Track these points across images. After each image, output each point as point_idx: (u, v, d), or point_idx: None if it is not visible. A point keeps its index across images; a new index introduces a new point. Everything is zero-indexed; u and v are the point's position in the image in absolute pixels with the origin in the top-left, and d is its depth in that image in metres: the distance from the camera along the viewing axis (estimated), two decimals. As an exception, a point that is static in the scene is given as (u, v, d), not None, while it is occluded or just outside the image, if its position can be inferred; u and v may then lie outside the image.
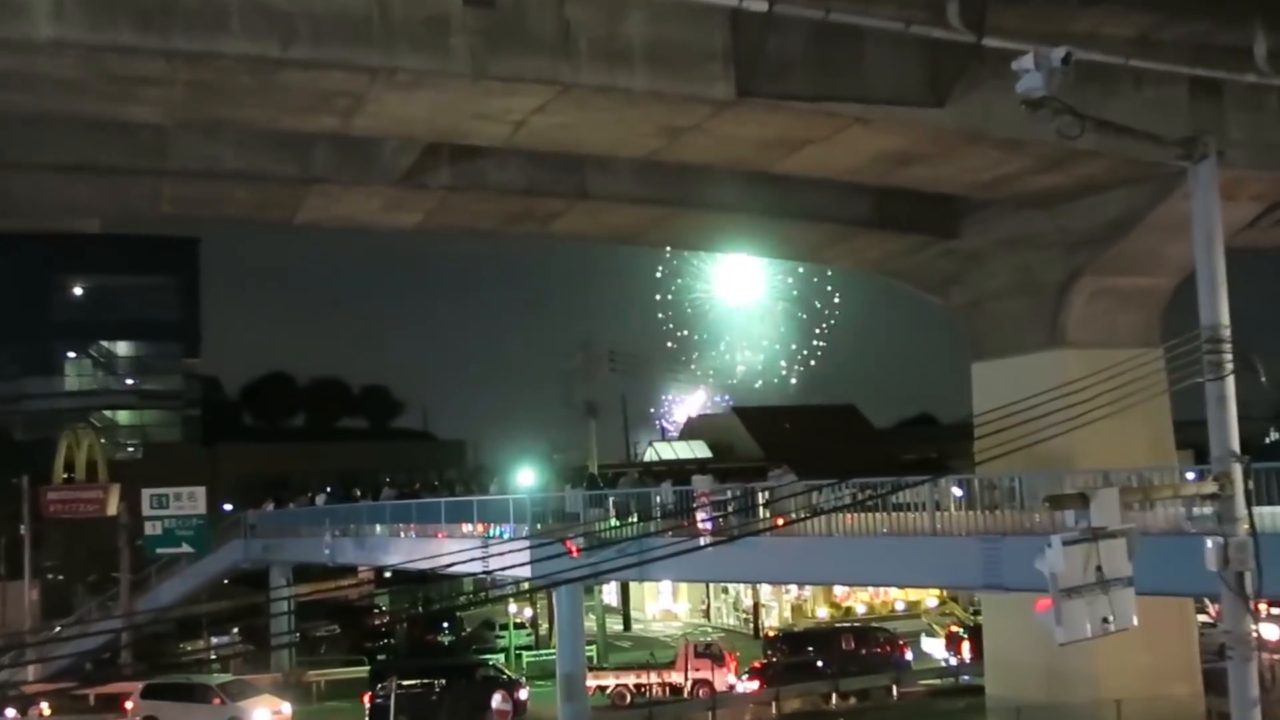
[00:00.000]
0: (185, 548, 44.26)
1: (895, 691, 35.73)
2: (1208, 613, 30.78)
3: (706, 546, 20.92)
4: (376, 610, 52.99)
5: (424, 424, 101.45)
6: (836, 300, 76.64)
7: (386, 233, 32.17)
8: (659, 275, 77.33)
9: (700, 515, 24.31)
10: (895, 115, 21.90)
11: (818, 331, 77.22)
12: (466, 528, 32.05)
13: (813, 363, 77.45)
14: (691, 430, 76.55)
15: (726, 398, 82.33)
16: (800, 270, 74.62)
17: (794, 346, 78.17)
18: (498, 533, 30.10)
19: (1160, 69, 21.67)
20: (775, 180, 27.95)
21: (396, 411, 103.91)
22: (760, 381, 78.20)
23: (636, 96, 20.15)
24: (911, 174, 25.66)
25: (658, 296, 77.47)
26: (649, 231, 32.41)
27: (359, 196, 27.63)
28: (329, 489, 47.57)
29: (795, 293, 77.10)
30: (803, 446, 52.39)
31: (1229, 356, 10.32)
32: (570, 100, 20.15)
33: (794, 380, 78.24)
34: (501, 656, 44.56)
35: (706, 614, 55.58)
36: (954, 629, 40.25)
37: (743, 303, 77.72)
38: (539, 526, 28.60)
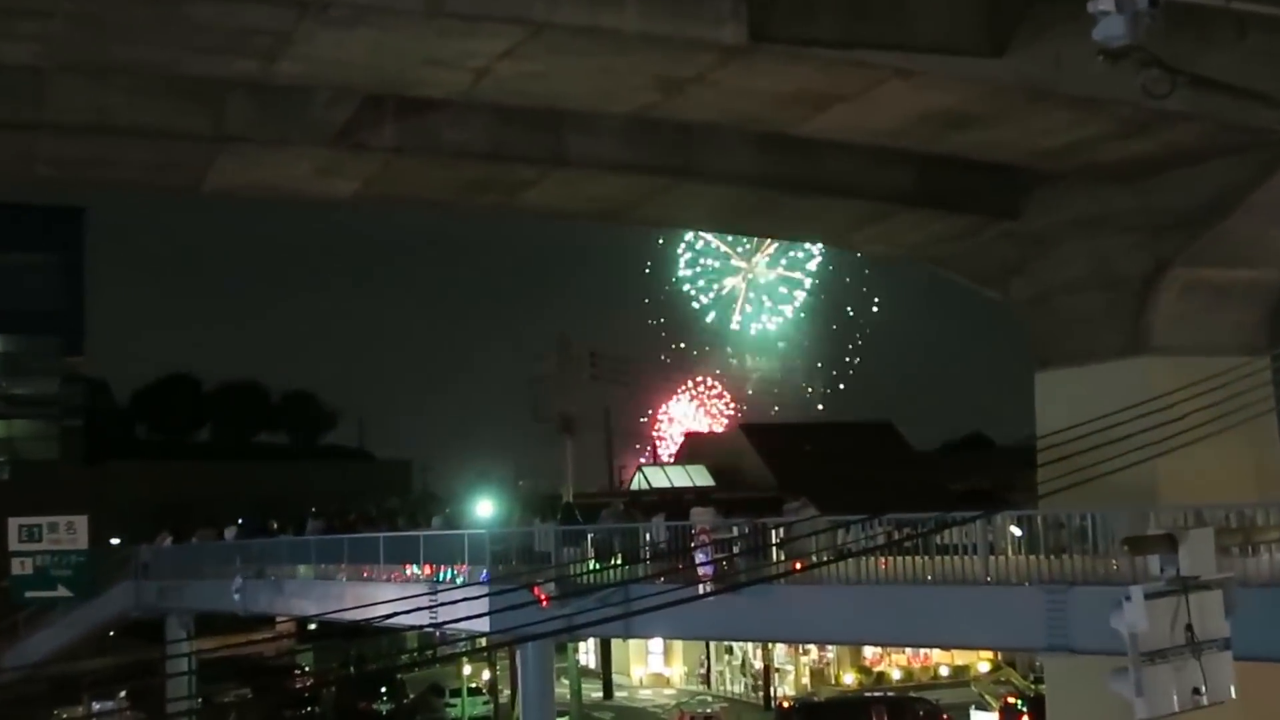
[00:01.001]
0: (62, 591, 43.97)
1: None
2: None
3: (707, 596, 20.89)
4: (298, 671, 52.89)
5: (359, 441, 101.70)
6: (875, 304, 77.03)
7: (317, 204, 32.13)
8: (652, 262, 77.57)
9: (700, 557, 24.29)
10: (943, 66, 21.92)
11: (850, 348, 77.60)
12: (411, 569, 31.97)
13: (842, 385, 77.78)
14: (690, 452, 76.68)
15: (734, 411, 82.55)
16: (830, 265, 74.94)
17: (819, 365, 78.55)
18: (449, 576, 30.04)
19: (1271, 13, 21.72)
20: (796, 146, 27.92)
21: (326, 425, 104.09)
22: (778, 390, 78.44)
23: (626, 40, 20.13)
24: (962, 139, 25.70)
25: (650, 293, 77.79)
26: (640, 206, 32.37)
27: (283, 159, 27.55)
28: (241, 520, 47.44)
29: (820, 295, 77.43)
30: (827, 473, 52.46)
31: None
32: (544, 44, 20.10)
33: (813, 392, 78.53)
34: (452, 729, 44.48)
35: (706, 679, 55.61)
36: (1010, 700, 40.35)
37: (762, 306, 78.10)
38: (500, 569, 28.54)
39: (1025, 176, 30.14)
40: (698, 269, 79.86)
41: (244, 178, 28.80)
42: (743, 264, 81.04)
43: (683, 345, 78.39)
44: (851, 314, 77.94)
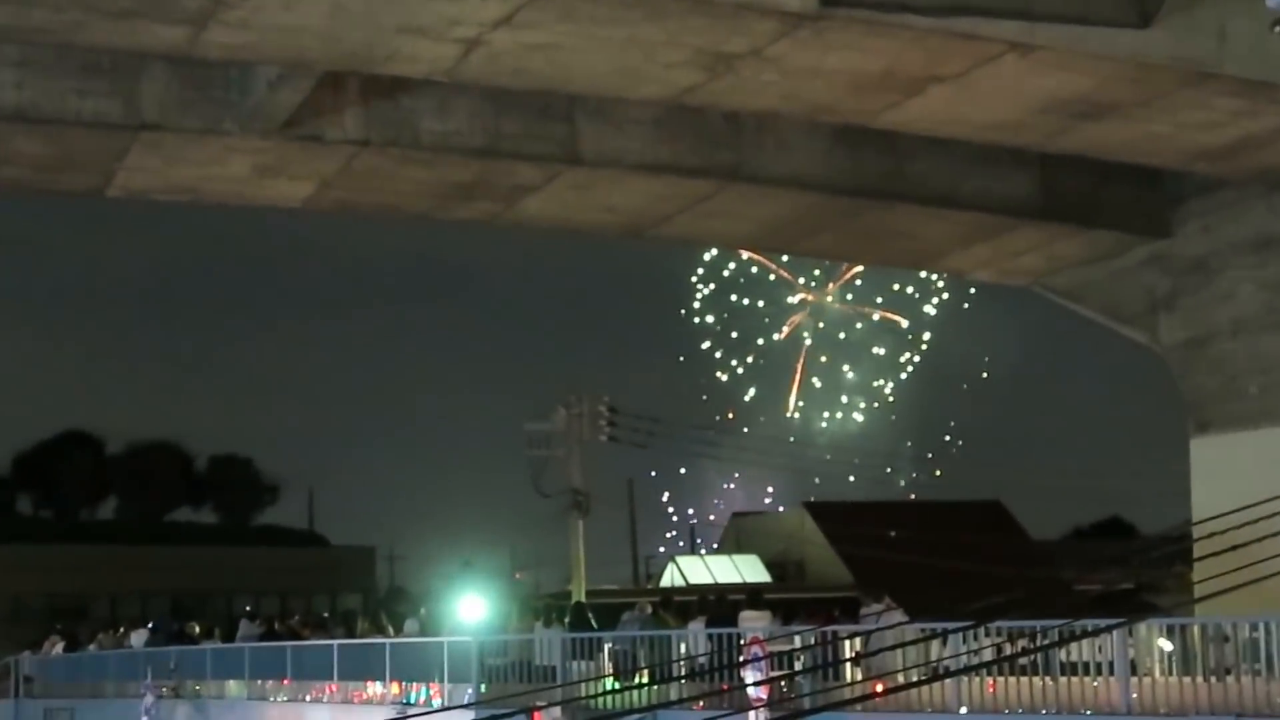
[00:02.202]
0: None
1: None
2: None
3: (760, 727, 20.77)
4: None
5: (308, 521, 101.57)
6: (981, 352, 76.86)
7: (258, 212, 32.26)
8: (695, 285, 77.40)
9: (751, 675, 24.18)
10: (1073, 40, 21.95)
11: (948, 406, 77.35)
12: (374, 688, 31.88)
13: (934, 460, 77.51)
14: (738, 537, 76.36)
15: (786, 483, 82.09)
16: (928, 302, 74.78)
17: (908, 443, 78.20)
18: (423, 697, 29.97)
19: None
20: (877, 141, 27.98)
21: (265, 499, 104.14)
22: (857, 462, 77.99)
23: (660, 2, 20.19)
24: (1096, 135, 25.70)
25: (685, 336, 77.58)
26: (673, 219, 32.39)
27: (214, 153, 27.69)
28: (153, 622, 47.46)
29: (920, 345, 77.11)
30: (917, 567, 52.16)
31: None
32: (554, 6, 20.20)
33: (902, 465, 78.25)
34: None
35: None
36: None
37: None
38: (490, 688, 28.45)
39: (1179, 184, 30.08)
40: (726, 313, 79.26)
41: (164, 178, 28.92)
42: (807, 295, 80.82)
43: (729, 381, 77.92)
44: (953, 365, 77.48)
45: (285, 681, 34.97)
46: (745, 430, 78.67)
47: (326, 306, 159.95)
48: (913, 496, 77.98)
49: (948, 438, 79.30)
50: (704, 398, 79.02)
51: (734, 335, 77.99)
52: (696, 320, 78.33)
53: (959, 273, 41.14)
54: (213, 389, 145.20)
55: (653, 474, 76.87)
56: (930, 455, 78.89)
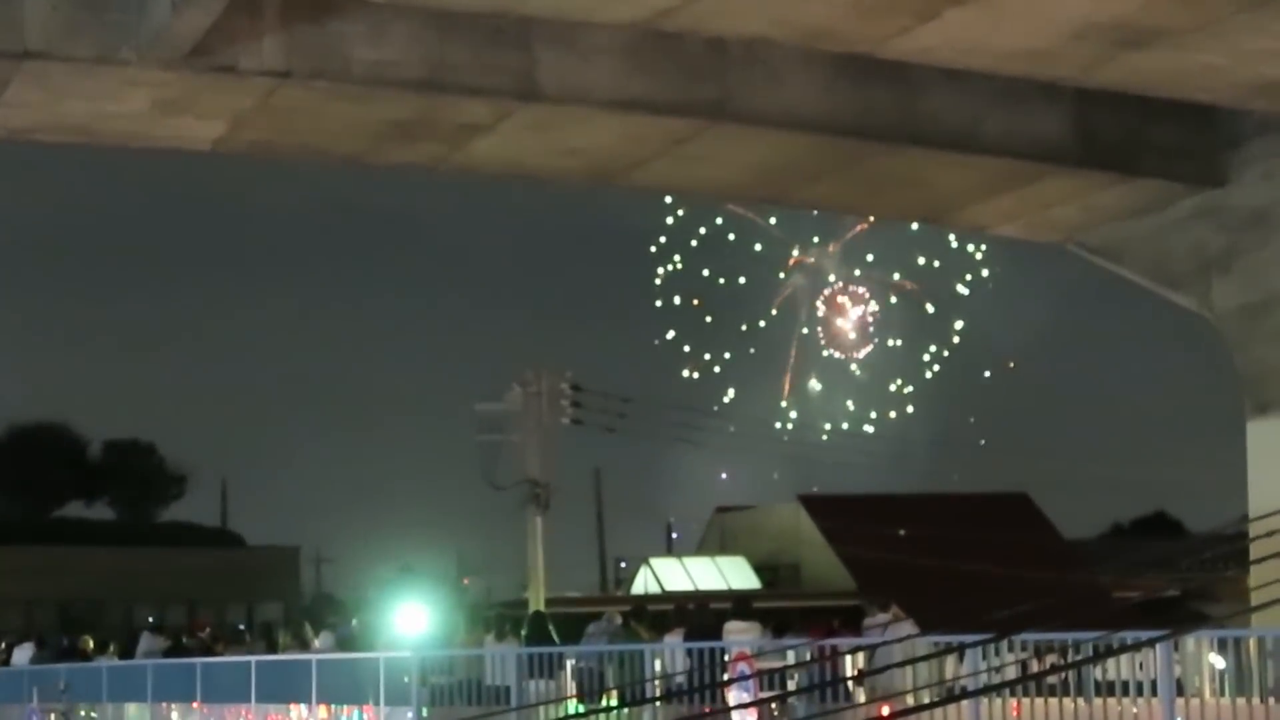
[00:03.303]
0: None
1: None
2: None
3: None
4: None
5: (221, 517, 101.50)
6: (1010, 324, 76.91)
7: (160, 155, 32.14)
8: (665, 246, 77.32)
9: (737, 695, 24.24)
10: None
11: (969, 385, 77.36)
12: (297, 711, 31.95)
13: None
14: (723, 536, 76.52)
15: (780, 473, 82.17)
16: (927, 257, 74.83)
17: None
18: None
19: None
20: (885, 74, 28.00)
21: (170, 493, 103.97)
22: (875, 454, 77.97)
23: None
24: (1140, 66, 25.73)
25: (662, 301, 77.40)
26: (648, 164, 32.43)
27: (109, 86, 27.64)
28: (39, 638, 47.37)
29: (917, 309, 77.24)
30: (930, 571, 52.34)
31: None
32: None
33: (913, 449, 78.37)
34: None
35: None
36: None
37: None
38: (433, 711, 28.44)
39: (1234, 125, 30.16)
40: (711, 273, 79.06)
41: (50, 115, 28.83)
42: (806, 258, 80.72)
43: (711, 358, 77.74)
44: (955, 333, 77.47)
45: (194, 705, 34.95)
46: (721, 407, 78.71)
47: (243, 265, 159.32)
48: (926, 488, 78.12)
49: (972, 419, 79.45)
50: (687, 374, 78.92)
51: (719, 301, 78.09)
52: (673, 285, 78.31)
53: (980, 227, 41.21)
54: (108, 361, 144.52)
55: (623, 463, 76.98)
56: (948, 442, 79.13)
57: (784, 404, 78.98)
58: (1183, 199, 31.40)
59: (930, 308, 77.61)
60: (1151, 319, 34.38)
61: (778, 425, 77.58)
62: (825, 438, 77.36)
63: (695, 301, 76.74)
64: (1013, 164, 31.18)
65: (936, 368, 78.25)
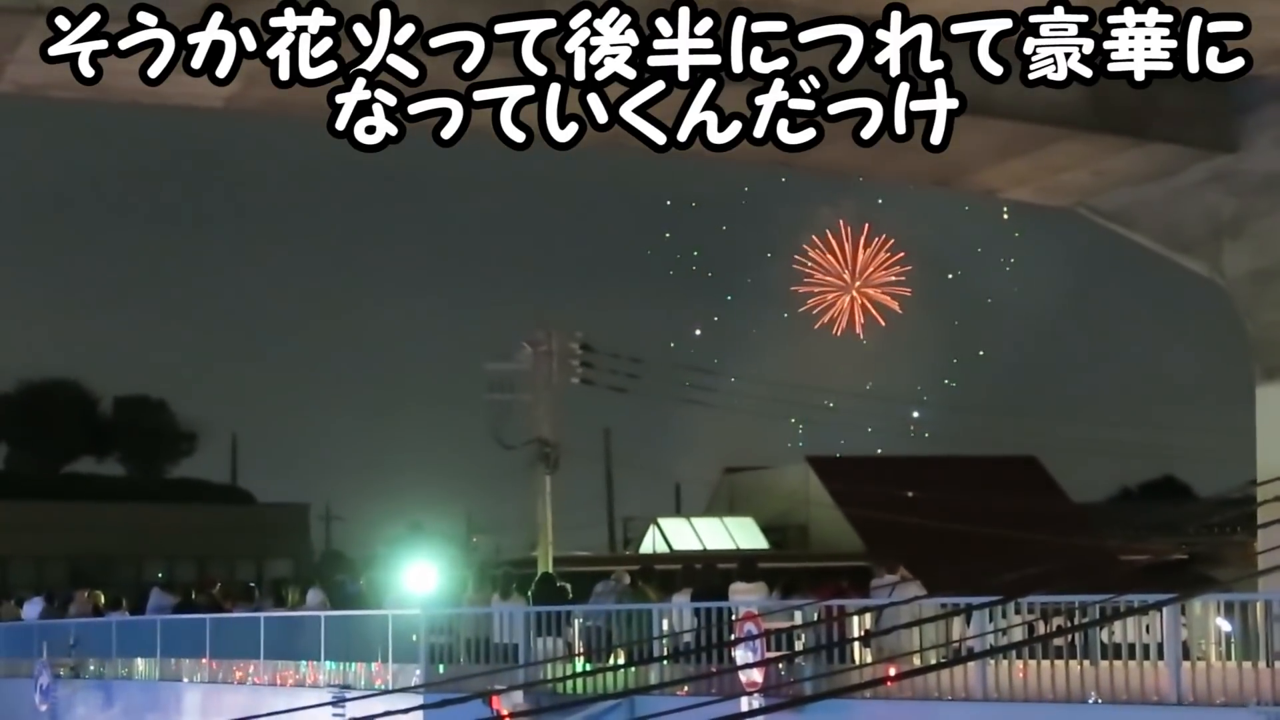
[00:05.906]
0: None
1: None
2: None
3: (756, 714, 20.87)
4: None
5: (231, 474, 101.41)
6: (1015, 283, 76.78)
7: (174, 115, 32.08)
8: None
9: (744, 655, 24.28)
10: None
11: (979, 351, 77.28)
12: (307, 668, 32.01)
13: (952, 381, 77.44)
14: (731, 496, 76.54)
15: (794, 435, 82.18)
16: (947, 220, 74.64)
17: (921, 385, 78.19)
18: (362, 680, 30.03)
19: None
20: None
21: (180, 449, 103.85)
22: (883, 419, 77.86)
23: None
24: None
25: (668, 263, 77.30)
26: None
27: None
28: (47, 593, 47.48)
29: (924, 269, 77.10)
30: (938, 533, 52.34)
31: None
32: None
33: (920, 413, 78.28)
34: None
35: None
36: None
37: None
38: (441, 669, 28.51)
39: (1248, 89, 30.03)
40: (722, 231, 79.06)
41: (60, 70, 28.75)
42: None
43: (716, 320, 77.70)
44: (977, 303, 77.50)
45: (203, 660, 34.99)
46: (732, 370, 78.54)
47: (254, 221, 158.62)
48: (935, 451, 78.00)
49: (982, 382, 79.29)
50: (697, 333, 78.77)
51: (730, 261, 77.99)
52: (685, 244, 78.27)
53: (991, 191, 41.07)
54: (119, 317, 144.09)
55: (633, 423, 76.87)
56: (957, 405, 79.00)
57: (795, 364, 79.02)
58: (1194, 164, 31.31)
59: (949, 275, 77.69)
60: (1163, 283, 34.23)
61: (787, 386, 77.57)
62: (830, 404, 77.41)
63: (707, 269, 76.82)
64: (1023, 128, 31.03)
65: (948, 330, 78.24)
